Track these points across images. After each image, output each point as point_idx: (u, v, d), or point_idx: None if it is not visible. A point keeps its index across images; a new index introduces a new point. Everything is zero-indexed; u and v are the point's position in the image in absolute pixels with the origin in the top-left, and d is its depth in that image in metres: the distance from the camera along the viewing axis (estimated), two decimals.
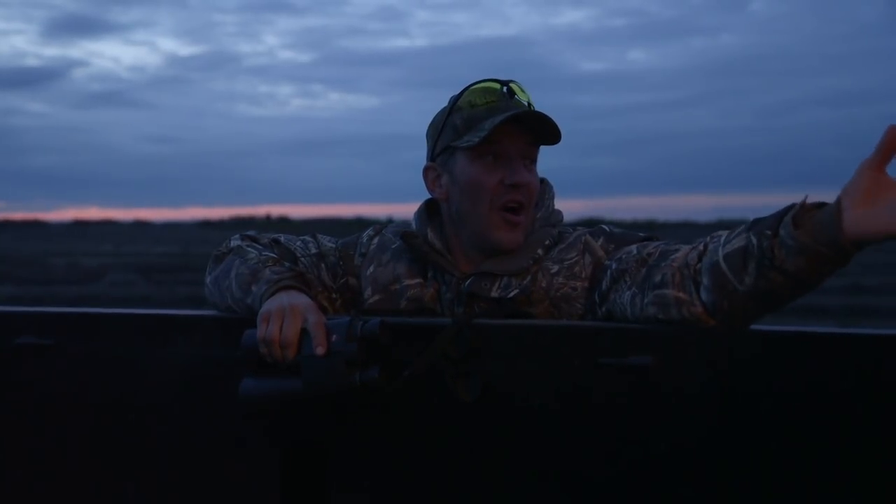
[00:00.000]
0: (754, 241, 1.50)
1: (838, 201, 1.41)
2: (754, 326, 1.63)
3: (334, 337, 1.68)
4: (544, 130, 1.86)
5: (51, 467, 2.00)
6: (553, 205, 1.98)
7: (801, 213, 1.47)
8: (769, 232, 1.48)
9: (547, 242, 1.89)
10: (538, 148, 1.91)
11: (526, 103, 1.89)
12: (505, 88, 1.89)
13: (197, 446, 1.91)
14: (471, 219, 1.90)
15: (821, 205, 1.46)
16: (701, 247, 1.62)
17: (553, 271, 1.85)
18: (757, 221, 1.53)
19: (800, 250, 1.45)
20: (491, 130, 1.82)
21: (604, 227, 1.90)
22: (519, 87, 1.91)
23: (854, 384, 1.56)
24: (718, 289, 1.55)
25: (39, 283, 15.20)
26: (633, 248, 1.78)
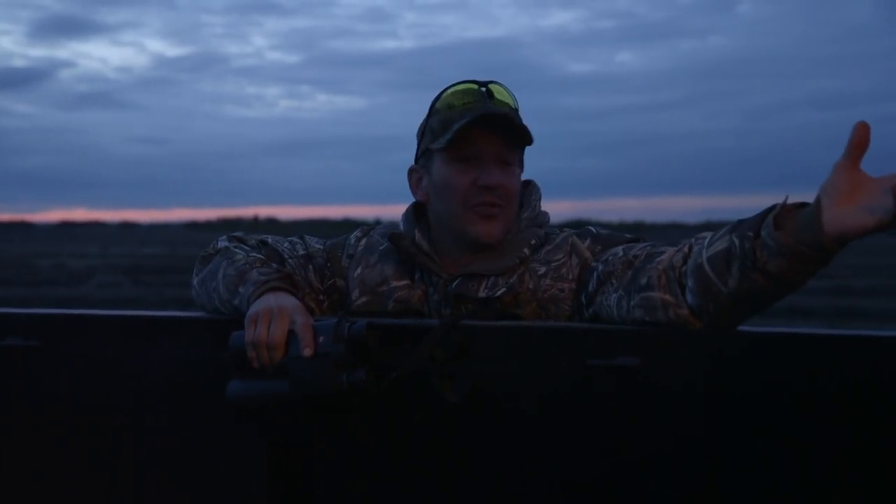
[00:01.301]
0: (737, 242, 1.50)
1: (817, 200, 1.41)
2: (741, 327, 1.63)
3: (321, 339, 1.68)
4: (517, 132, 1.86)
5: (37, 469, 1.99)
6: (540, 206, 1.98)
7: (782, 214, 1.47)
8: (751, 233, 1.48)
9: (533, 242, 1.89)
10: (519, 149, 1.91)
11: (506, 104, 1.89)
12: (484, 89, 1.90)
13: (184, 448, 1.91)
14: (448, 220, 1.91)
15: (802, 205, 1.46)
16: (686, 248, 1.62)
17: (540, 273, 1.85)
18: (740, 223, 1.53)
19: (781, 251, 1.44)
20: (455, 133, 1.83)
21: (590, 228, 1.91)
22: (501, 87, 1.91)
23: (841, 385, 1.57)
24: (703, 291, 1.55)
25: (26, 285, 15.15)
26: (620, 249, 1.78)
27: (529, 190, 1.99)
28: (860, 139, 1.38)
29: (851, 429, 1.56)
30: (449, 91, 1.91)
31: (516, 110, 1.92)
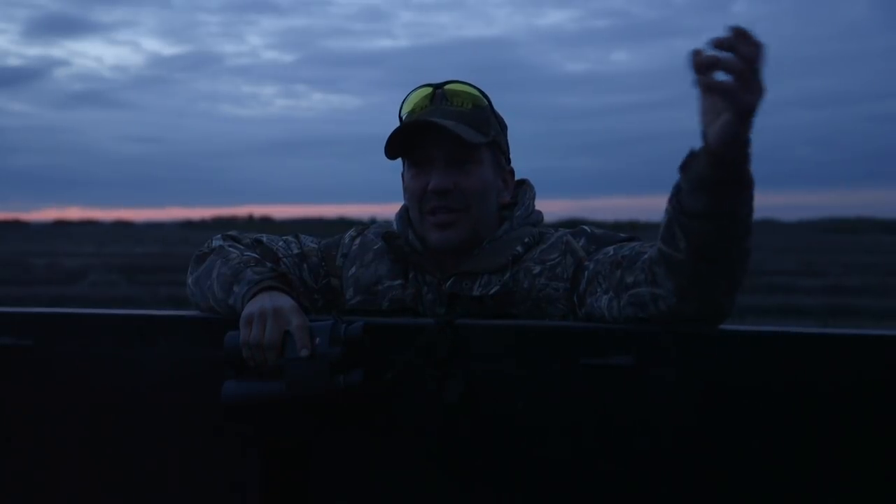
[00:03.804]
0: (669, 209, 1.56)
1: (702, 133, 1.49)
2: (735, 326, 1.64)
3: (318, 340, 1.68)
4: (456, 137, 1.86)
5: (30, 468, 1.99)
6: (533, 205, 1.99)
7: (688, 163, 1.53)
8: (674, 191, 1.55)
9: (527, 240, 1.90)
10: (482, 147, 1.90)
11: (464, 103, 1.90)
12: (440, 91, 1.92)
13: (179, 448, 1.91)
14: (414, 224, 1.94)
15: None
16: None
17: (535, 272, 1.86)
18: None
19: (693, 187, 1.50)
20: (388, 143, 1.88)
21: (585, 227, 1.91)
22: (460, 86, 1.93)
23: (834, 384, 1.57)
24: (670, 268, 1.59)
25: (20, 284, 15.11)
26: (611, 249, 1.78)
27: (524, 189, 2.00)
28: (699, 65, 1.43)
29: (845, 427, 1.56)
30: (409, 96, 1.95)
31: (480, 108, 1.92)
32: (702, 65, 1.41)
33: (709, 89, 1.43)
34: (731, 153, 1.47)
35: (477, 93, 1.94)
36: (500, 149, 1.95)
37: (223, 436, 1.84)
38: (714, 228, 1.53)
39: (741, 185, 1.50)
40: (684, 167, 1.53)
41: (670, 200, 1.56)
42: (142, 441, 1.93)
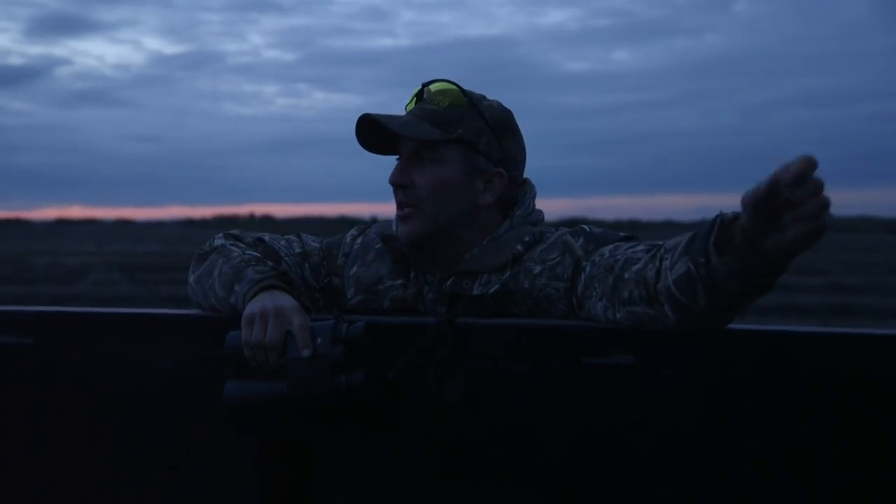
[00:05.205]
0: (693, 267, 1.52)
1: (747, 231, 1.44)
2: (737, 326, 1.64)
3: (319, 340, 1.68)
4: (406, 135, 1.88)
5: (29, 468, 1.99)
6: (534, 204, 1.98)
7: (721, 236, 1.48)
8: (702, 259, 1.50)
9: (527, 239, 1.89)
10: (443, 145, 1.89)
11: (441, 101, 1.91)
12: (424, 90, 1.95)
13: (180, 447, 1.91)
14: None
15: (736, 217, 1.47)
16: (657, 262, 1.61)
17: (535, 272, 1.85)
18: (692, 241, 1.54)
19: (732, 274, 1.47)
20: (356, 135, 1.92)
21: (584, 227, 1.90)
22: (442, 85, 1.93)
23: (836, 383, 1.57)
24: (680, 311, 1.57)
25: (21, 283, 15.12)
26: (607, 250, 1.77)
27: (524, 188, 1.99)
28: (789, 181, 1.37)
29: (846, 426, 1.56)
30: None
31: (455, 106, 1.90)
32: (791, 181, 1.35)
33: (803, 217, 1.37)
34: (789, 263, 1.46)
35: (456, 91, 1.92)
36: (474, 148, 1.91)
37: (223, 436, 1.84)
38: (749, 297, 1.53)
39: (781, 272, 1.49)
40: (718, 244, 1.48)
41: (695, 262, 1.51)
42: (142, 440, 1.93)
